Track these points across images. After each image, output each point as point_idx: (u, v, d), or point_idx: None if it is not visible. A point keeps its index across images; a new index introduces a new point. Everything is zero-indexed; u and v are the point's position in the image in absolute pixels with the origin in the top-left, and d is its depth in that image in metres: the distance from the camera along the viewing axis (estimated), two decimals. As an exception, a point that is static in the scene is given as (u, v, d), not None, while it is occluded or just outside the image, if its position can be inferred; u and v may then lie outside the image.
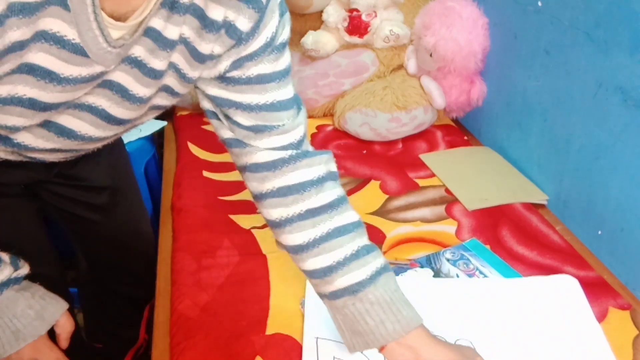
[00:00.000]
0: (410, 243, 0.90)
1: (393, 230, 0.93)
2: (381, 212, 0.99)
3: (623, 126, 0.84)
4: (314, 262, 0.64)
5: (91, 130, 0.62)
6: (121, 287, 1.13)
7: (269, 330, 0.72)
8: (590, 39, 0.89)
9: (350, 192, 1.04)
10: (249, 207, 1.00)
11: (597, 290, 0.80)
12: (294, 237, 0.65)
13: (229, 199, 1.02)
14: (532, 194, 1.05)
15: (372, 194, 1.04)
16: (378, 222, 0.96)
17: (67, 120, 0.59)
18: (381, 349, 0.62)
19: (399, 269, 0.82)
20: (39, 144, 0.62)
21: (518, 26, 1.10)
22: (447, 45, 1.18)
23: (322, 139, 1.25)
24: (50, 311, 0.69)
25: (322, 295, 0.66)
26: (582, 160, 0.95)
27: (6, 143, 0.61)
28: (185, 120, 1.36)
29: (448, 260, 0.84)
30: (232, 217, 0.96)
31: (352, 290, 0.62)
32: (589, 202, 0.94)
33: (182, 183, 1.06)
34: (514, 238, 0.92)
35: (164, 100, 0.64)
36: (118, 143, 0.96)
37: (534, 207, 1.01)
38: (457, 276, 0.81)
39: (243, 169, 0.67)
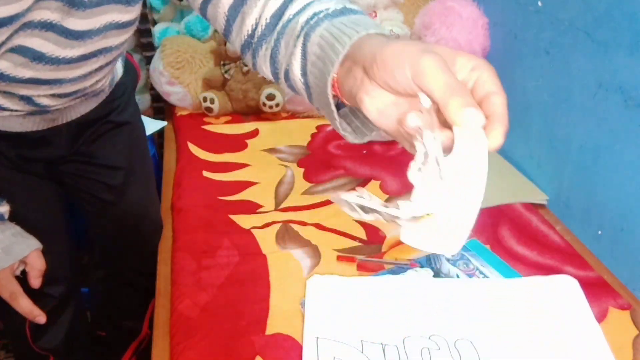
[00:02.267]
0: (410, 243, 0.90)
1: (393, 230, 0.93)
2: (381, 212, 0.99)
3: (623, 126, 0.84)
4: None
5: (58, 50, 0.64)
6: (128, 274, 1.15)
7: (269, 330, 0.72)
8: (590, 39, 0.89)
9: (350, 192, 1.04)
10: (249, 207, 1.00)
11: (597, 290, 0.80)
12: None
13: (229, 199, 1.02)
14: (532, 194, 1.05)
15: (372, 194, 1.04)
16: (378, 222, 0.95)
17: (32, 42, 0.62)
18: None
19: (399, 269, 0.82)
20: (21, 72, 0.65)
21: (518, 26, 1.10)
22: (447, 45, 1.18)
23: (322, 139, 1.26)
24: (18, 248, 0.72)
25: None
26: (582, 160, 0.95)
27: None
28: (185, 120, 1.36)
29: (448, 260, 0.84)
30: (232, 217, 0.96)
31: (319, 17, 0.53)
32: (589, 202, 0.94)
33: (182, 183, 1.06)
34: (514, 238, 0.92)
35: (119, 11, 0.65)
36: (137, 126, 1.00)
37: (534, 207, 1.01)
38: (457, 276, 0.81)
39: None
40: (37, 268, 0.76)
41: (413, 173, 0.39)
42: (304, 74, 0.53)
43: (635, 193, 0.83)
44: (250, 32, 0.60)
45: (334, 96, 0.49)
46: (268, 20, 0.59)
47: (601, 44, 0.87)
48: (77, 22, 0.63)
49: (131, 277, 1.14)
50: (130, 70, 0.97)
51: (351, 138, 0.52)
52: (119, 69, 0.90)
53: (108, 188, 0.94)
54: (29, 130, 0.80)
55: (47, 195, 0.91)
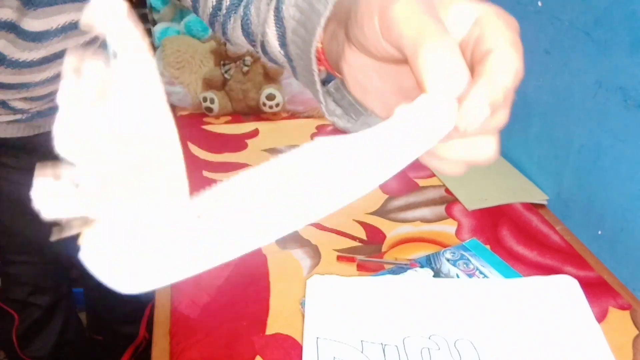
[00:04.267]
0: (410, 243, 0.90)
1: (393, 230, 0.93)
2: (381, 212, 0.99)
3: (623, 126, 0.84)
4: None
5: (17, 53, 0.61)
6: None
7: (269, 330, 0.72)
8: (590, 39, 0.89)
9: (350, 192, 1.04)
10: (249, 207, 1.00)
11: (597, 290, 0.80)
12: None
13: (229, 199, 1.01)
14: (532, 194, 1.05)
15: (372, 194, 1.04)
16: (378, 222, 0.96)
17: None
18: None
19: (399, 269, 0.82)
20: None
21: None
22: (447, 45, 1.18)
23: (322, 139, 1.25)
24: None
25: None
26: (582, 160, 0.95)
27: None
28: (185, 120, 1.36)
29: (448, 260, 0.84)
30: (232, 217, 0.96)
31: None
32: (589, 202, 0.94)
33: (182, 183, 1.06)
34: (514, 238, 0.92)
35: (77, 10, 0.61)
36: None
37: (534, 207, 1.01)
38: (457, 276, 0.81)
39: None
40: None
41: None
42: (283, 44, 0.43)
43: (635, 193, 0.83)
44: (215, 3, 0.52)
45: (324, 70, 0.39)
46: None
47: (601, 44, 0.87)
48: (32, 23, 0.60)
49: None
50: None
51: (341, 123, 0.41)
52: None
53: None
54: (13, 137, 0.78)
55: (32, 204, 0.90)
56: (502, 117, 0.29)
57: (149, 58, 0.21)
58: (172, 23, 1.51)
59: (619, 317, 0.76)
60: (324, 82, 0.39)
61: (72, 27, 0.64)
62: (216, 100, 1.33)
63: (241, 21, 0.49)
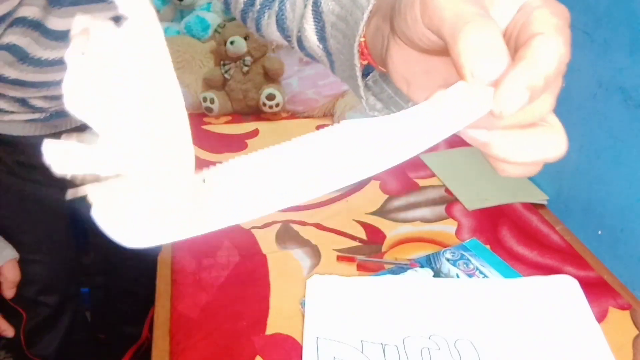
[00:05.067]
0: (410, 243, 0.90)
1: (393, 230, 0.93)
2: (381, 212, 0.99)
3: (623, 126, 0.84)
4: None
5: (39, 51, 0.63)
6: (126, 282, 1.14)
7: (269, 330, 0.72)
8: (590, 39, 0.89)
9: (350, 192, 1.04)
10: (249, 207, 1.00)
11: (597, 290, 0.80)
12: None
13: (229, 199, 1.02)
14: (532, 194, 1.05)
15: (372, 194, 1.04)
16: (378, 222, 0.96)
17: (21, 40, 0.61)
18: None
19: (399, 269, 0.82)
20: (7, 72, 0.64)
21: (518, 26, 1.10)
22: (447, 45, 1.18)
23: (322, 139, 1.25)
24: None
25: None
26: (582, 160, 0.95)
27: None
28: (185, 120, 1.36)
29: (448, 260, 0.84)
30: (232, 217, 0.96)
31: None
32: (589, 202, 0.94)
33: (182, 183, 1.06)
34: (514, 238, 0.92)
35: (100, 10, 0.63)
36: None
37: (534, 207, 1.01)
38: (457, 276, 0.81)
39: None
40: (10, 279, 0.74)
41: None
42: (322, 38, 0.43)
43: (635, 193, 0.83)
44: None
45: (367, 64, 0.38)
46: None
47: (601, 44, 0.87)
48: (56, 22, 0.62)
49: (130, 285, 1.13)
50: None
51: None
52: None
53: None
54: (30, 135, 0.80)
55: (46, 203, 0.89)
56: (545, 104, 0.28)
57: (156, 23, 0.21)
58: (172, 23, 1.51)
59: (619, 317, 0.76)
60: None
61: None
62: (216, 100, 1.33)
63: (276, 17, 0.49)
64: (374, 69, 0.39)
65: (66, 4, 0.62)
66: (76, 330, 1.11)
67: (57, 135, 0.85)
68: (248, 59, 1.32)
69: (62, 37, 0.64)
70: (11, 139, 0.79)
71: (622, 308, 0.77)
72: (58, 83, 0.71)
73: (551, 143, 0.29)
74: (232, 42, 1.29)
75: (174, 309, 0.76)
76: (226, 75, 1.34)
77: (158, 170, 0.21)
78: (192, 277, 0.81)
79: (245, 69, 1.33)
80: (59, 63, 0.67)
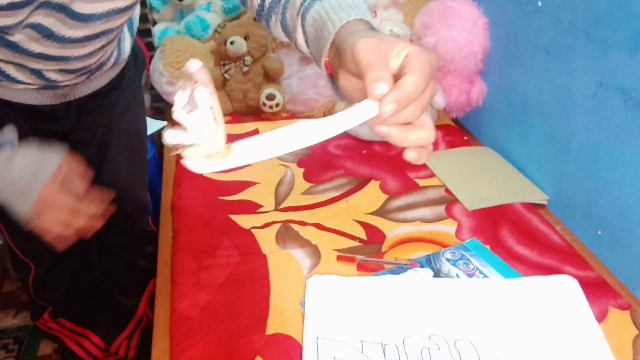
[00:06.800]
0: (410, 243, 0.91)
1: (393, 230, 0.93)
2: (381, 212, 0.99)
3: (623, 126, 0.84)
4: None
5: (64, 30, 0.69)
6: (118, 250, 1.18)
7: (269, 330, 0.72)
8: (590, 39, 0.89)
9: (350, 192, 1.04)
10: (249, 207, 1.00)
11: (597, 290, 0.80)
12: None
13: (229, 199, 1.02)
14: (532, 194, 1.05)
15: (372, 194, 1.04)
16: (378, 222, 0.96)
17: (46, 20, 0.67)
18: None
19: (399, 269, 0.82)
20: (33, 46, 0.70)
21: (518, 26, 1.10)
22: (447, 45, 1.18)
23: (322, 139, 1.26)
24: (48, 158, 0.70)
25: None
26: (582, 160, 0.95)
27: (12, 47, 0.70)
28: (185, 120, 1.36)
29: (448, 260, 0.84)
30: (232, 217, 0.96)
31: None
32: (589, 202, 0.94)
33: (182, 183, 1.06)
34: (514, 238, 0.92)
35: None
36: (137, 110, 1.06)
37: (534, 207, 1.01)
38: (457, 276, 0.81)
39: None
40: (74, 172, 0.72)
41: (177, 112, 0.48)
42: (308, 46, 0.64)
43: (635, 193, 0.83)
44: (259, 2, 0.70)
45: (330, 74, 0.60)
46: None
47: (601, 44, 0.87)
48: (83, 6, 0.68)
49: (121, 253, 1.18)
50: (137, 52, 1.02)
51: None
52: (126, 49, 0.95)
53: (87, 159, 0.93)
54: (44, 104, 0.85)
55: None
56: (415, 110, 0.47)
57: (212, 93, 0.48)
58: (172, 23, 1.51)
59: (619, 317, 0.76)
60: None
61: (115, 12, 0.72)
62: (216, 100, 1.33)
63: (280, 22, 0.68)
64: None
65: None
66: (80, 279, 1.18)
67: (66, 104, 0.90)
68: (248, 59, 1.32)
69: (86, 19, 0.70)
70: (29, 107, 0.84)
71: (622, 308, 0.77)
72: (76, 58, 0.76)
73: (423, 134, 0.48)
74: (232, 42, 1.29)
75: (174, 309, 0.76)
76: (226, 75, 1.34)
77: (209, 143, 0.48)
78: (192, 277, 0.81)
79: (245, 69, 1.33)
80: (80, 41, 0.73)
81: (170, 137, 0.48)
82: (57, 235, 0.72)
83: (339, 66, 0.54)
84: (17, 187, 0.68)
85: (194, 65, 0.47)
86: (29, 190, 0.67)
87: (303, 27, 0.63)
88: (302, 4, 0.63)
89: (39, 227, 0.71)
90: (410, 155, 0.49)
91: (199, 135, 0.48)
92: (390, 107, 0.45)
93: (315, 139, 0.47)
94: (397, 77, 0.47)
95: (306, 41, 0.63)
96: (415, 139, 0.48)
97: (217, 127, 0.48)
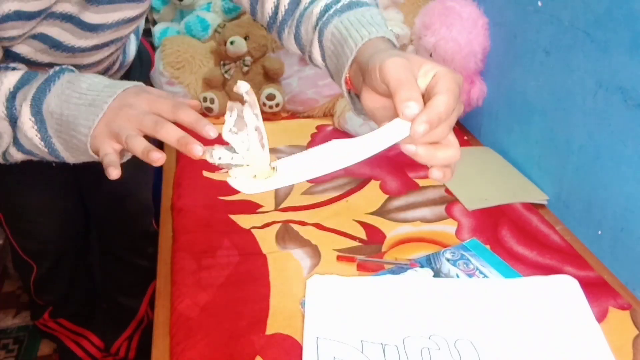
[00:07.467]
0: (410, 243, 0.90)
1: (393, 230, 0.93)
2: (381, 212, 0.99)
3: (623, 126, 0.84)
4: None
5: (73, 40, 0.70)
6: (120, 251, 1.19)
7: (269, 330, 0.72)
8: (590, 39, 0.89)
9: (350, 192, 1.04)
10: (249, 207, 1.00)
11: (597, 290, 0.80)
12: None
13: (229, 199, 1.02)
14: (532, 194, 1.05)
15: (372, 194, 1.04)
16: (378, 222, 0.96)
17: (52, 31, 0.67)
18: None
19: (399, 269, 0.82)
20: (41, 57, 0.70)
21: (518, 26, 1.10)
22: (447, 45, 1.18)
23: (322, 139, 1.25)
24: (120, 82, 0.59)
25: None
26: (582, 160, 0.95)
27: (15, 58, 0.69)
28: (185, 120, 1.36)
29: (448, 260, 0.84)
30: (232, 217, 0.96)
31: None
32: (589, 202, 0.94)
33: (182, 183, 1.06)
34: (514, 238, 0.92)
35: (131, 8, 0.71)
36: None
37: (534, 207, 1.01)
38: (457, 276, 0.81)
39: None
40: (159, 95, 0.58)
41: (226, 133, 0.49)
42: (324, 60, 0.64)
43: (635, 193, 0.83)
44: (271, 14, 0.70)
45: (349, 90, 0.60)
46: (287, 7, 0.69)
47: (601, 44, 0.87)
48: (92, 16, 0.68)
49: (123, 254, 1.19)
50: (142, 52, 1.04)
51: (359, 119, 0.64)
52: (131, 52, 0.96)
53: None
54: None
55: (52, 174, 0.95)
56: (443, 131, 0.48)
57: (259, 115, 0.51)
58: (172, 23, 1.51)
59: (619, 317, 0.76)
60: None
61: (124, 22, 0.72)
62: (216, 100, 1.33)
63: (294, 35, 0.68)
64: None
65: (103, 2, 0.67)
66: (81, 279, 1.20)
67: None
68: (248, 59, 1.32)
69: (95, 29, 0.70)
70: None
71: (622, 308, 0.77)
72: (85, 66, 0.77)
73: (449, 153, 0.49)
74: (232, 42, 1.29)
75: (174, 309, 0.76)
76: (226, 75, 1.34)
77: (255, 163, 0.50)
78: (192, 277, 0.81)
79: (245, 69, 1.33)
80: (89, 50, 0.73)
81: (217, 156, 0.49)
82: (125, 143, 0.55)
83: (360, 83, 0.54)
84: (85, 100, 0.56)
85: (244, 87, 0.47)
86: (100, 100, 0.55)
87: (320, 41, 0.62)
88: (319, 19, 0.63)
89: (102, 139, 0.56)
90: (435, 174, 0.50)
91: (245, 155, 0.49)
92: (423, 127, 0.45)
93: (354, 159, 0.48)
94: (424, 97, 0.48)
95: (322, 56, 0.63)
96: (442, 157, 0.49)
97: (263, 148, 0.50)
